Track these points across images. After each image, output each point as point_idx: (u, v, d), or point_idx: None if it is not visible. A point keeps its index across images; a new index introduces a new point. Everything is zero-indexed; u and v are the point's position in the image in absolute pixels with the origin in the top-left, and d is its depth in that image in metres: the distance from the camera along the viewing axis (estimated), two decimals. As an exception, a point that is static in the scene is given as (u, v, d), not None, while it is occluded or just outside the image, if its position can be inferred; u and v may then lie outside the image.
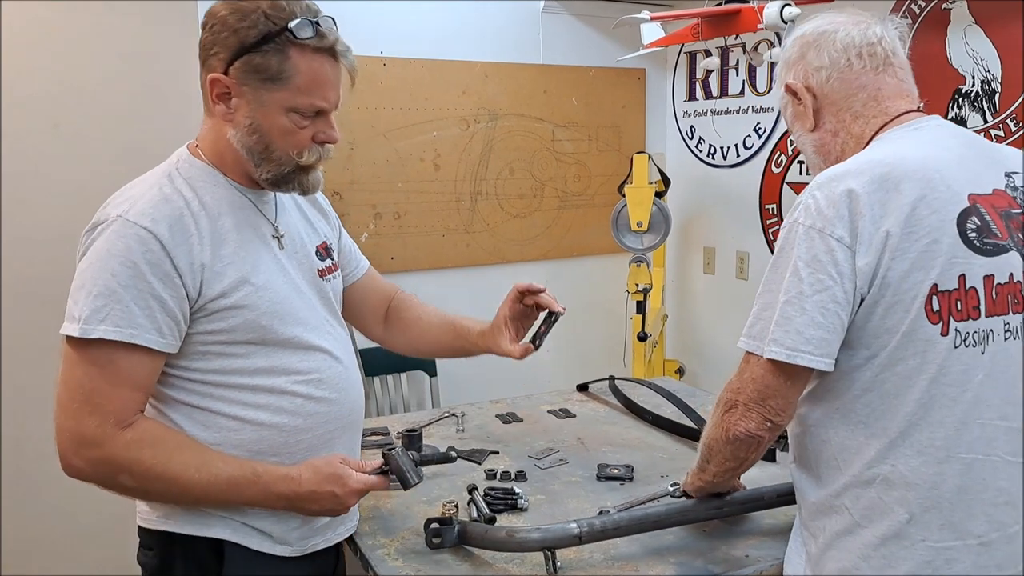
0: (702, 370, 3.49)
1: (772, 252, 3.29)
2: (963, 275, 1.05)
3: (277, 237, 1.28)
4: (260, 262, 1.23)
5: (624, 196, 3.07)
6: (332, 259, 1.40)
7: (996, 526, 1.07)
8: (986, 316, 1.06)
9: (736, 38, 2.60)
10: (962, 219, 1.06)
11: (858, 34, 1.19)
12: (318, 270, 1.34)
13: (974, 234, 1.06)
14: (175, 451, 1.15)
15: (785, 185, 3.03)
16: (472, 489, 1.56)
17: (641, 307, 3.08)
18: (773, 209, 3.09)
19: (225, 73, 1.15)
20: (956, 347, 1.05)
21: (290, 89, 1.16)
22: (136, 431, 1.13)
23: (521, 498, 1.56)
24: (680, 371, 3.47)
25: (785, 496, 1.42)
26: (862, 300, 1.05)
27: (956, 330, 1.05)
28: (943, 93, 2.45)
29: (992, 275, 1.07)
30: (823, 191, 1.07)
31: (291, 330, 1.24)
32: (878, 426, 1.07)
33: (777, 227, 3.06)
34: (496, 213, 3.22)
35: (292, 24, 1.13)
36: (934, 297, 1.04)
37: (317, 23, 1.15)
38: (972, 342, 1.06)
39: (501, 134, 3.17)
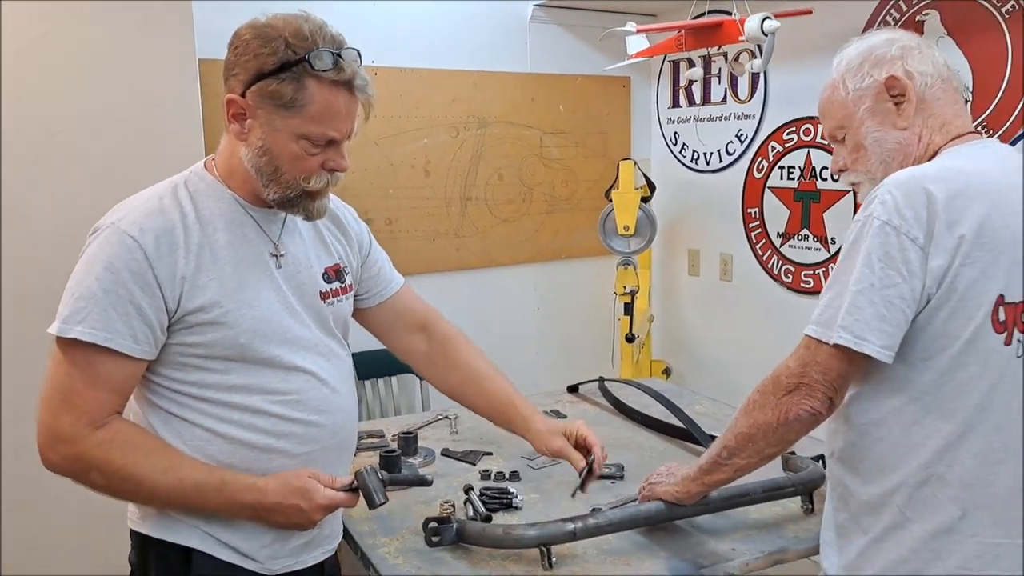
0: (688, 370, 3.56)
1: (755, 254, 3.34)
2: None
3: (276, 256, 1.29)
4: (249, 280, 1.24)
5: (611, 201, 3.14)
6: (342, 282, 1.39)
7: None
8: None
9: (718, 48, 2.67)
10: None
11: (941, 55, 1.24)
12: (320, 292, 1.34)
13: None
14: (145, 454, 1.17)
15: (767, 190, 3.11)
16: (468, 489, 1.62)
17: (629, 309, 3.15)
18: (755, 213, 3.17)
19: (242, 95, 1.18)
20: (1018, 356, 1.09)
21: (303, 117, 1.18)
22: (109, 432, 1.16)
23: (516, 497, 1.61)
24: (667, 371, 3.54)
25: (771, 492, 1.49)
26: (928, 300, 1.08)
27: (1019, 340, 1.09)
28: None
29: None
30: (901, 190, 1.09)
31: (272, 350, 1.24)
32: (934, 427, 1.10)
33: (759, 230, 3.14)
34: (486, 218, 3.27)
35: (311, 55, 1.15)
36: (1000, 308, 1.07)
37: (338, 55, 1.16)
38: None
39: (490, 141, 3.23)
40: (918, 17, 2.50)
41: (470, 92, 3.16)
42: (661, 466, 1.52)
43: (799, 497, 1.54)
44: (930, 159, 1.19)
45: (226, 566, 1.26)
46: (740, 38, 2.35)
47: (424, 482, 1.40)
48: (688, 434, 1.90)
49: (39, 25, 2.05)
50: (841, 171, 1.30)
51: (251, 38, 1.17)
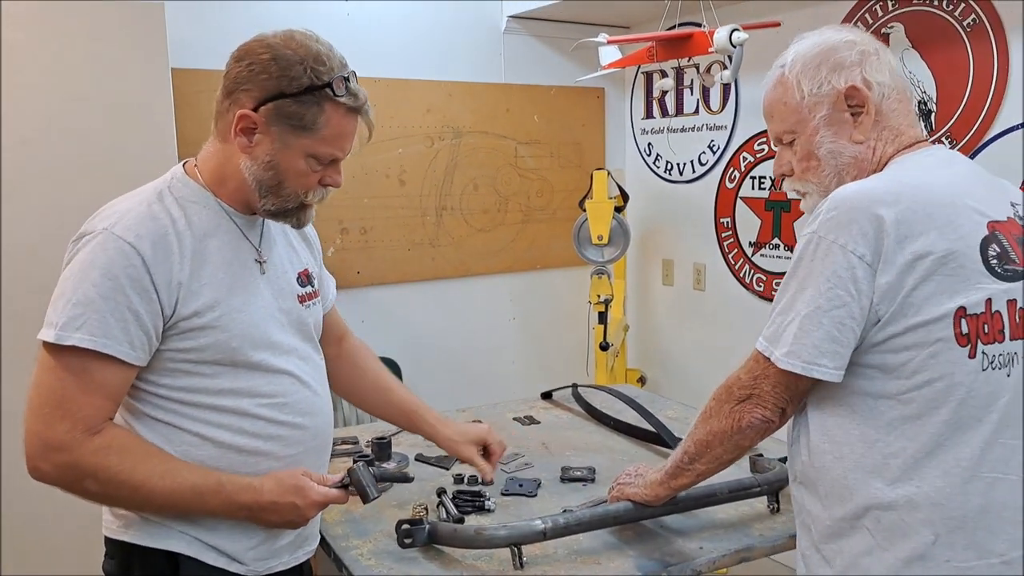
0: (663, 378, 3.59)
1: (727, 264, 3.37)
2: (989, 299, 1.06)
3: (260, 262, 1.32)
4: (238, 285, 1.26)
5: (585, 211, 3.18)
6: (313, 286, 1.43)
7: (1016, 544, 1.07)
8: (1010, 339, 1.08)
9: (689, 60, 2.72)
10: (984, 245, 1.08)
11: (895, 59, 1.23)
12: (298, 296, 1.37)
13: (995, 260, 1.08)
14: (141, 459, 1.18)
15: (739, 200, 3.16)
16: (441, 492, 1.63)
17: (603, 317, 3.17)
18: (727, 223, 3.21)
19: (254, 110, 1.21)
20: (984, 370, 1.06)
21: (316, 138, 1.23)
22: (104, 438, 1.16)
23: (488, 499, 1.62)
24: (642, 380, 3.57)
25: (737, 492, 1.51)
26: (879, 319, 1.06)
27: (983, 353, 1.06)
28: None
29: (1015, 299, 1.09)
30: (847, 205, 1.06)
31: (260, 354, 1.27)
32: (899, 446, 1.07)
33: (731, 240, 3.19)
34: (461, 227, 3.29)
35: (333, 82, 1.21)
36: (962, 320, 1.05)
37: (348, 80, 1.23)
38: (998, 364, 1.07)
39: (465, 151, 3.25)
40: (883, 30, 2.57)
41: (445, 102, 3.18)
42: (630, 466, 1.53)
43: (765, 497, 1.57)
44: (881, 169, 1.17)
45: (214, 571, 1.26)
46: (710, 49, 2.39)
47: (406, 478, 1.46)
48: (659, 437, 1.92)
49: (11, 33, 2.05)
50: (785, 176, 1.26)
51: (269, 59, 1.21)
